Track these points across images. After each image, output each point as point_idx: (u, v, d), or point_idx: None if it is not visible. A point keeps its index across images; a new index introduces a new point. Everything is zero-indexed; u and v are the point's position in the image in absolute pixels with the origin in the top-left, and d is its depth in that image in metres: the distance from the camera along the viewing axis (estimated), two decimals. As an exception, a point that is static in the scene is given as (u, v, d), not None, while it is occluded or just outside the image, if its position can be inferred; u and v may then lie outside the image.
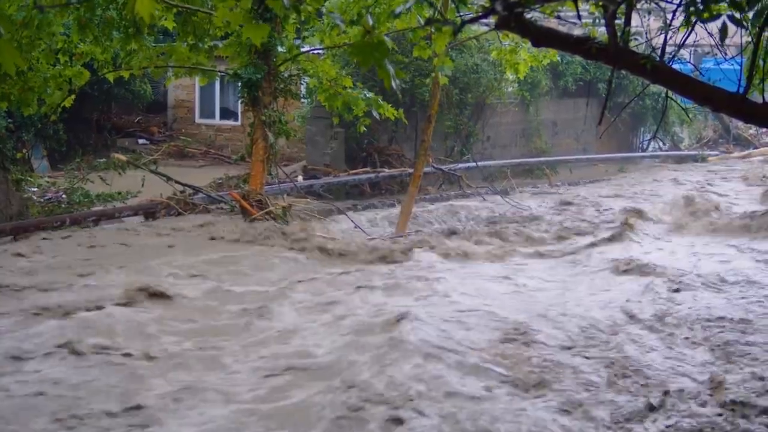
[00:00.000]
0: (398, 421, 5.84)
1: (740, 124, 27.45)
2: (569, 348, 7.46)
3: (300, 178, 17.24)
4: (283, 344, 7.65)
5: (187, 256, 10.82)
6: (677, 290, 9.48)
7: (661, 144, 27.11)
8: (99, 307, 8.34)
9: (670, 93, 6.73)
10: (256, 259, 10.86)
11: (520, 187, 19.25)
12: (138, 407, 6.13)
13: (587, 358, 7.20)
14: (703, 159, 24.83)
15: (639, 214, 14.44)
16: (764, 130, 26.86)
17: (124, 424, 5.91)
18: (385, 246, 11.74)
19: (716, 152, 26.30)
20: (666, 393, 6.31)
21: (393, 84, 4.16)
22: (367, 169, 18.10)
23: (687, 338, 7.79)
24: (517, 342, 7.55)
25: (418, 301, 8.86)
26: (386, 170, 18.03)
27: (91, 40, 11.17)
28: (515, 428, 5.76)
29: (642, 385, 6.55)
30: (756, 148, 26.86)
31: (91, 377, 6.66)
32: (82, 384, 6.51)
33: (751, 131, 28.35)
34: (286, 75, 13.73)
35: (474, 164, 19.10)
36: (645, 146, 26.78)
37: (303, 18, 12.30)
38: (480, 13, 4.76)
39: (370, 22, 4.06)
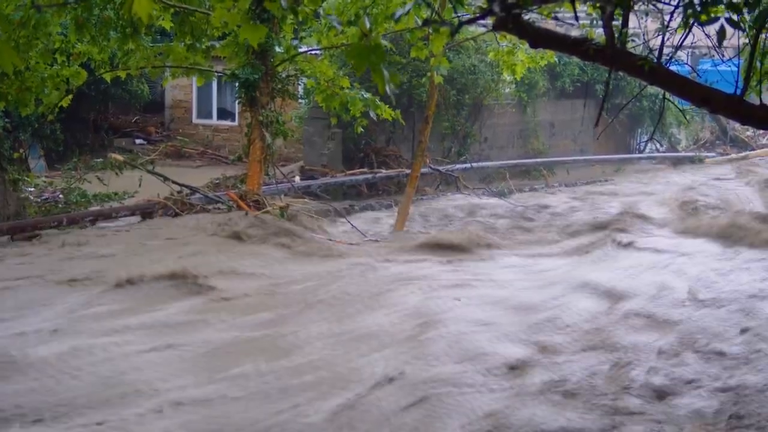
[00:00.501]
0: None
1: (737, 125, 27.46)
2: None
3: (297, 178, 17.23)
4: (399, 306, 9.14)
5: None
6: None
7: (658, 145, 27.09)
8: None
9: (667, 94, 6.73)
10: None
11: (517, 187, 19.25)
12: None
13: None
14: (700, 160, 24.83)
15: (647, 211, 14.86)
16: (761, 131, 26.86)
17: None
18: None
19: (713, 154, 26.31)
20: None
21: (387, 89, 4.15)
22: (365, 169, 18.11)
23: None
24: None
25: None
26: (383, 171, 18.04)
27: (89, 40, 11.16)
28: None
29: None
30: (753, 149, 26.87)
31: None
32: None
33: (748, 133, 28.36)
34: (283, 75, 13.71)
35: (469, 165, 19.12)
36: (642, 147, 26.78)
37: (300, 19, 12.30)
38: (478, 14, 4.76)
39: (368, 25, 4.03)
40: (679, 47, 6.02)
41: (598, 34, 5.83)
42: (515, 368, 7.20)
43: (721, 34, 4.89)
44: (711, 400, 6.54)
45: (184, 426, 6.02)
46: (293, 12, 6.07)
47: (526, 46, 12.53)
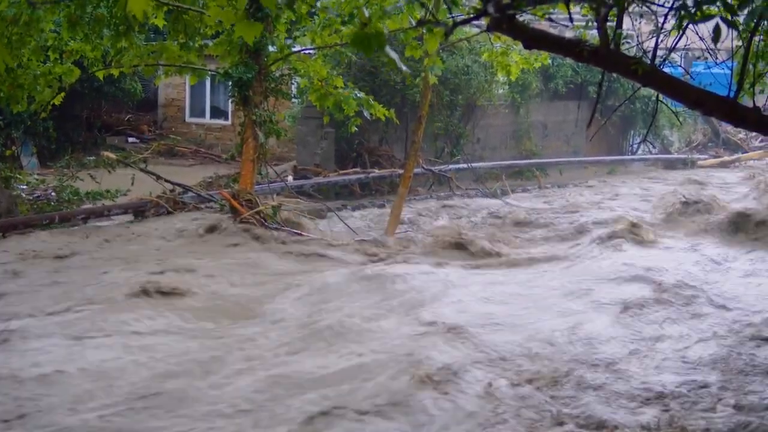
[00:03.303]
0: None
1: (729, 128, 27.50)
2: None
3: (290, 177, 17.22)
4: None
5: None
6: None
7: (650, 147, 27.12)
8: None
9: (660, 96, 6.74)
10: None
11: (511, 188, 19.27)
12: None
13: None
14: (693, 163, 24.86)
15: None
16: (753, 134, 26.91)
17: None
18: None
19: (705, 156, 26.35)
20: None
21: (402, 67, 4.20)
22: (357, 169, 18.10)
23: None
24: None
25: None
26: (376, 171, 18.03)
27: (82, 37, 11.13)
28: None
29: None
30: (745, 152, 26.92)
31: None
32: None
33: (740, 135, 28.40)
34: (277, 74, 13.71)
35: (466, 166, 19.14)
36: (635, 149, 26.82)
37: (295, 18, 12.28)
38: (472, 15, 4.76)
39: (366, 15, 4.07)
40: (672, 49, 6.03)
41: (592, 35, 5.84)
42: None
43: (716, 33, 4.89)
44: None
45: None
46: (289, 8, 6.07)
47: (520, 47, 12.54)
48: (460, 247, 12.36)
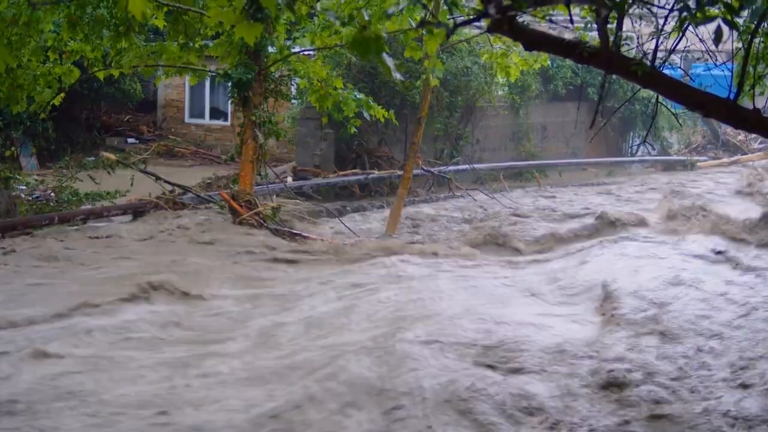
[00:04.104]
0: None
1: (729, 129, 27.50)
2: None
3: (289, 179, 17.22)
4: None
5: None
6: None
7: (650, 149, 27.08)
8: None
9: (660, 98, 6.74)
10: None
11: (512, 189, 19.28)
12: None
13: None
14: (692, 165, 24.84)
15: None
16: (753, 135, 26.91)
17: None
18: None
19: (705, 158, 26.35)
20: None
21: (396, 75, 4.19)
22: (357, 170, 18.09)
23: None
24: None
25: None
26: (376, 172, 18.03)
27: (82, 38, 11.12)
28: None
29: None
30: (745, 154, 26.91)
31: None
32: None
33: (740, 137, 28.40)
34: (276, 75, 13.71)
35: (467, 167, 19.16)
36: (634, 151, 26.79)
37: (294, 19, 12.27)
38: (473, 16, 4.76)
39: (366, 18, 4.05)
40: (672, 51, 6.03)
41: (592, 37, 5.84)
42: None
43: (718, 35, 4.88)
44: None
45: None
46: (290, 9, 6.06)
47: (520, 48, 12.54)
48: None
